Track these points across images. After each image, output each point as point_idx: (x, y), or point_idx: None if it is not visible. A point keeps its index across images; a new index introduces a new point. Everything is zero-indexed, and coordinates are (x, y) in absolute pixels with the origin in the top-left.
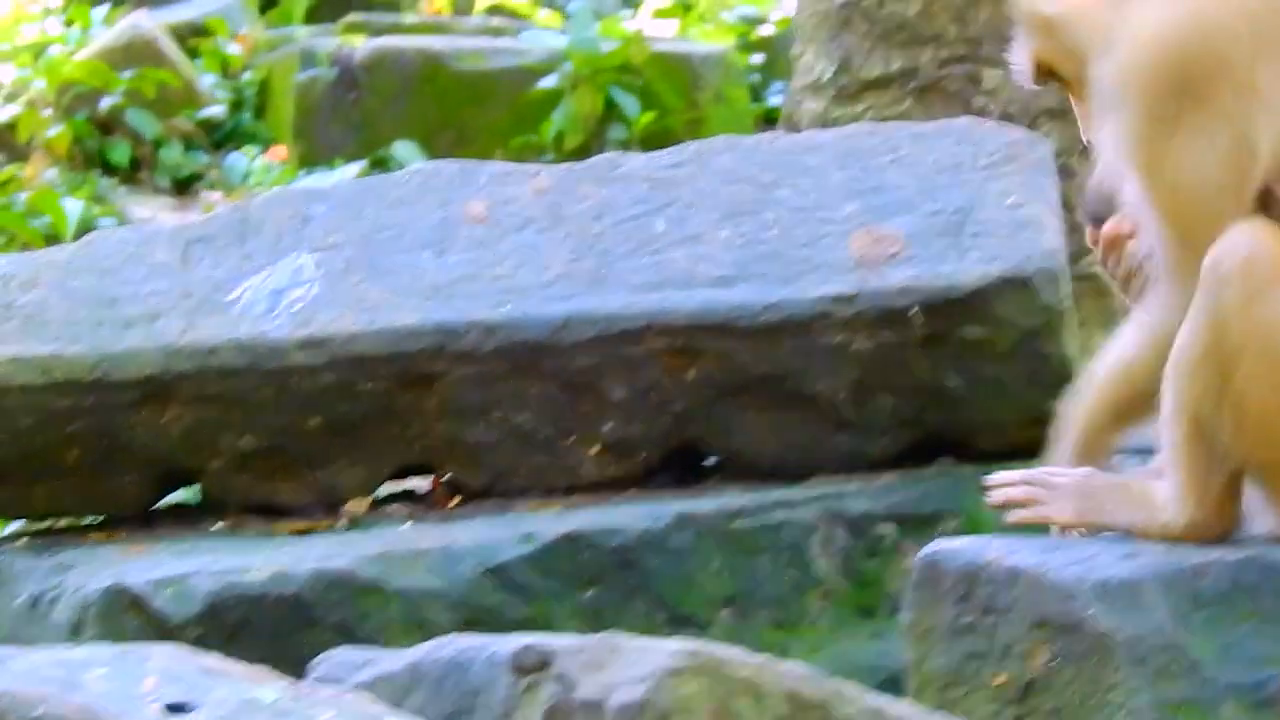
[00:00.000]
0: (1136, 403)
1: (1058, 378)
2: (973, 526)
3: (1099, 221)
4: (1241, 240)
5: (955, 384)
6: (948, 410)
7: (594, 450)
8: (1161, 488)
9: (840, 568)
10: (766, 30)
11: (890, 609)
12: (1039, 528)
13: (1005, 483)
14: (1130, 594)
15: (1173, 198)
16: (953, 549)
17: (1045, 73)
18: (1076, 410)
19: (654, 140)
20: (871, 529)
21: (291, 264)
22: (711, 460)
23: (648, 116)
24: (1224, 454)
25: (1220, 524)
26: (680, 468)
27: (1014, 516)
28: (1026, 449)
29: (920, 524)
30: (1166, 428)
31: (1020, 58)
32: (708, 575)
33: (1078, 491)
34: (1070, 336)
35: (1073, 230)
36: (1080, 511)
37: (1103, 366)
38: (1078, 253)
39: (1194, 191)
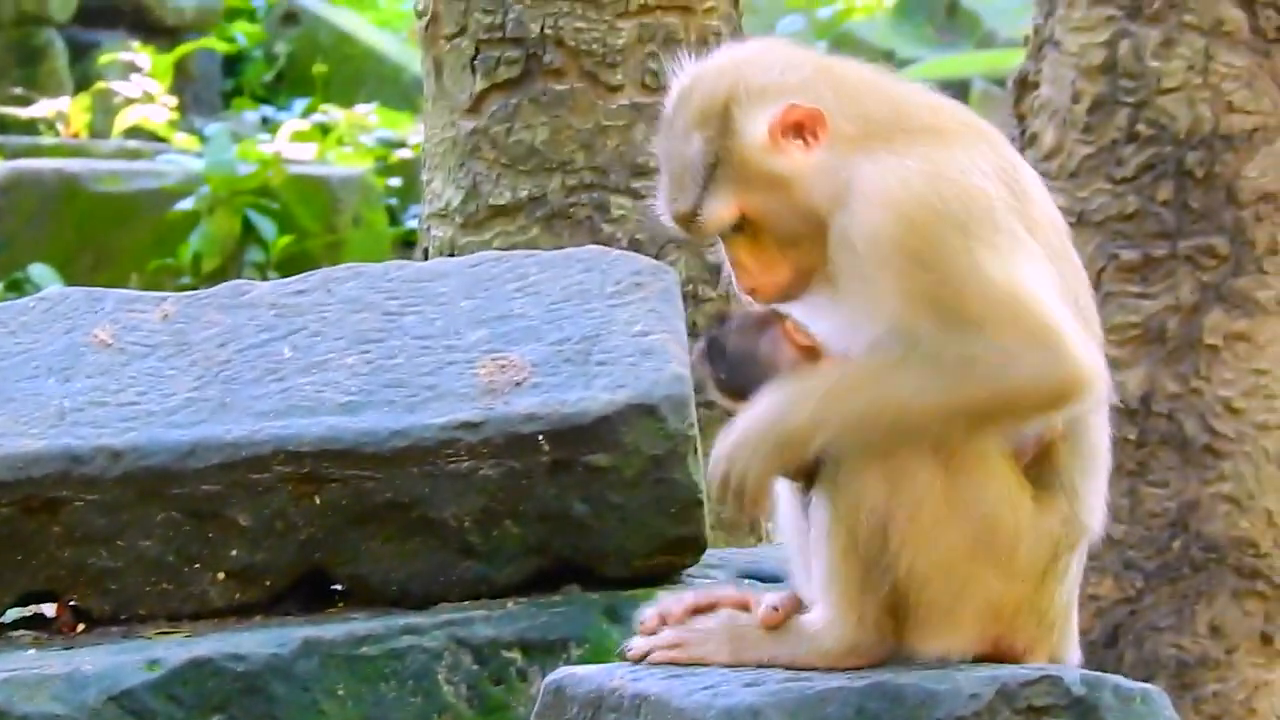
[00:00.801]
0: None
1: (684, 505)
2: (599, 653)
3: (737, 389)
4: None
5: (582, 511)
6: (574, 537)
7: (220, 576)
8: (811, 616)
9: (467, 694)
10: (405, 154)
11: None
12: None
13: (650, 633)
14: None
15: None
16: (578, 676)
17: (741, 222)
18: None
19: (292, 263)
20: (498, 656)
21: None
22: (339, 586)
23: (286, 239)
24: (882, 573)
25: (880, 646)
26: (308, 594)
27: (663, 657)
28: (653, 576)
29: (546, 651)
30: (821, 549)
31: (720, 206)
32: (334, 702)
33: (728, 634)
34: (696, 464)
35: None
36: (735, 652)
37: None
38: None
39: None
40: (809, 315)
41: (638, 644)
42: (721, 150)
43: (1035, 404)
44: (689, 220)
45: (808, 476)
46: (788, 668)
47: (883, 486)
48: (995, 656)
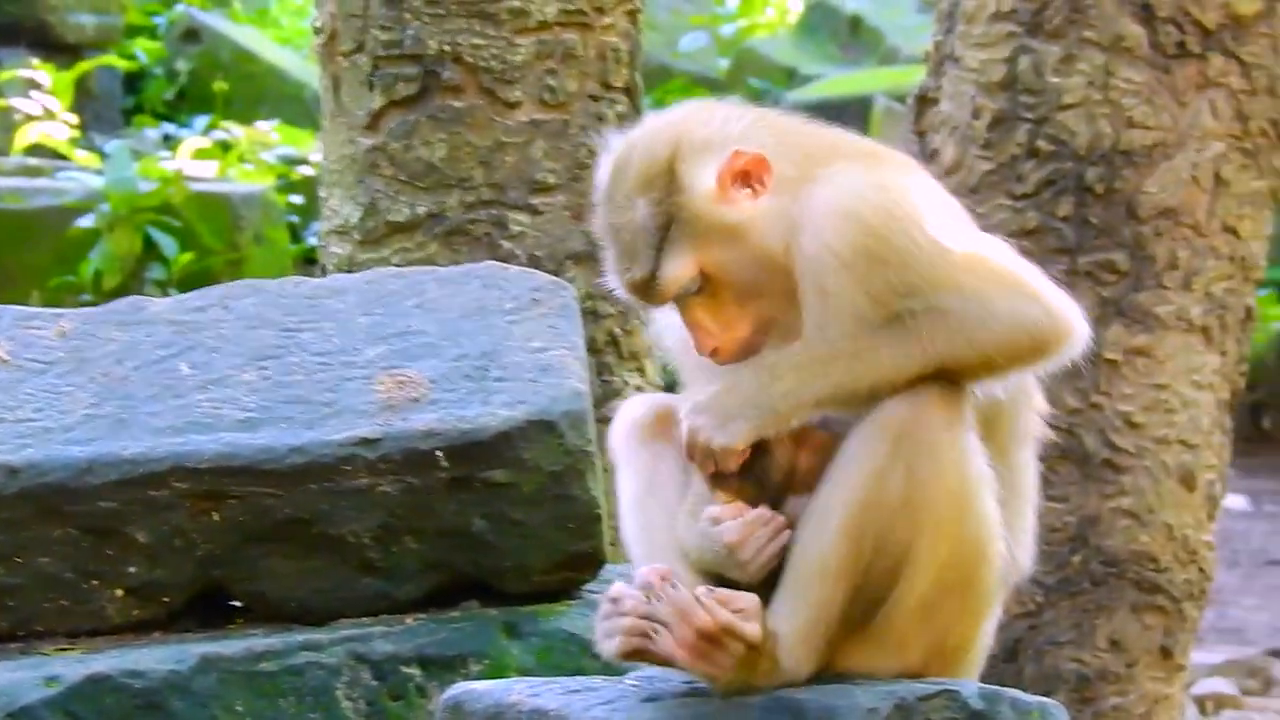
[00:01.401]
0: None
1: (583, 521)
2: (497, 669)
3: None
4: None
5: (481, 527)
6: (473, 553)
7: (119, 593)
8: (785, 644)
9: (366, 710)
10: (306, 170)
11: None
12: (568, 668)
13: (688, 620)
14: None
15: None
16: (477, 691)
17: (700, 280)
18: None
19: (194, 281)
20: (397, 672)
21: None
22: (238, 603)
23: (187, 257)
24: (870, 594)
25: (816, 664)
26: (206, 611)
27: (624, 646)
28: (552, 592)
29: (445, 666)
30: (818, 586)
31: (677, 265)
32: (232, 718)
33: (696, 634)
34: (595, 479)
35: (598, 373)
36: (715, 678)
37: None
38: (603, 396)
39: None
40: None
41: (629, 601)
42: (671, 208)
43: (1017, 351)
44: (646, 286)
45: (779, 489)
46: (741, 691)
47: (909, 525)
48: None
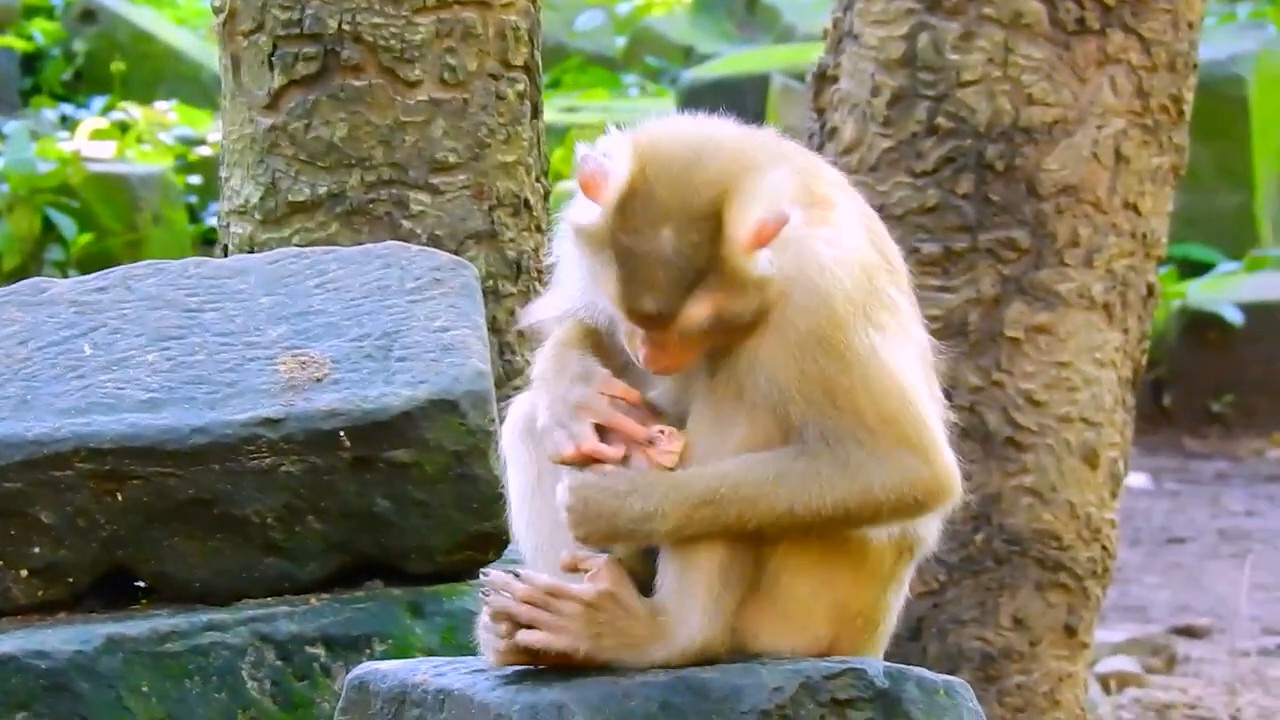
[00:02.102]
0: None
1: (485, 500)
2: (402, 649)
3: None
4: None
5: (384, 507)
6: (377, 533)
7: (23, 574)
8: (669, 609)
9: (271, 690)
10: (204, 151)
11: None
12: (472, 647)
13: (508, 591)
14: (558, 715)
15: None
16: (382, 671)
17: (718, 322)
18: None
19: (92, 261)
20: (301, 652)
21: None
22: (142, 584)
23: (86, 238)
24: (748, 569)
25: (726, 644)
26: (111, 591)
27: (521, 638)
28: (455, 572)
29: (350, 646)
30: (684, 545)
31: (699, 311)
32: (138, 699)
33: (586, 620)
34: (498, 459)
35: (500, 353)
36: (591, 651)
37: None
38: (505, 375)
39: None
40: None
41: (494, 601)
42: (710, 255)
43: (902, 508)
44: (659, 320)
45: None
46: (635, 668)
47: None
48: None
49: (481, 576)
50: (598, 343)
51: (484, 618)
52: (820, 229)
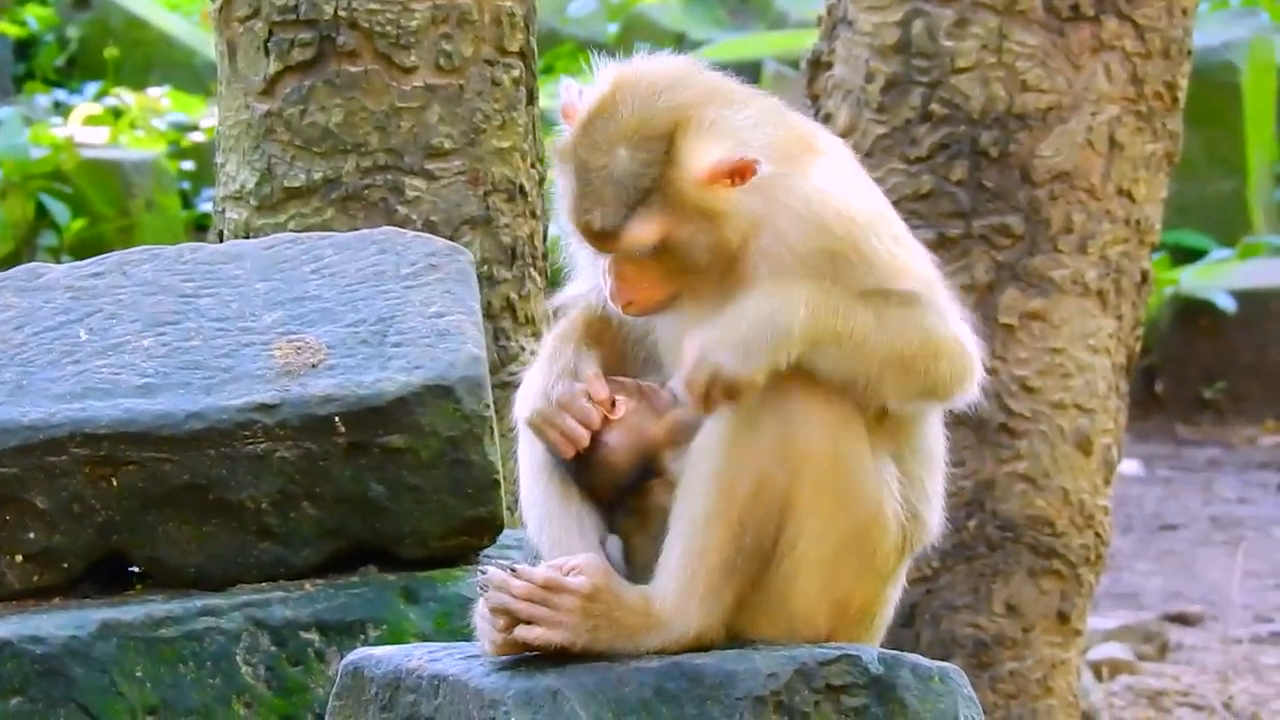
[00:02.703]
0: None
1: (480, 486)
2: (396, 634)
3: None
4: None
5: (378, 493)
6: (371, 519)
7: (18, 559)
8: (666, 599)
9: (265, 676)
10: (197, 137)
11: (315, 717)
12: (466, 633)
13: (506, 589)
14: (553, 701)
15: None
16: (376, 657)
17: (657, 247)
18: None
19: (86, 248)
20: (296, 637)
21: None
22: (137, 569)
23: (79, 224)
24: (760, 561)
25: (722, 634)
26: (106, 576)
27: (519, 634)
28: (450, 557)
29: (344, 632)
30: (690, 531)
31: (643, 229)
32: (132, 684)
33: (583, 614)
34: (492, 445)
35: (494, 338)
36: (589, 644)
37: None
38: (500, 361)
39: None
40: (683, 329)
41: (496, 598)
42: (658, 175)
43: (953, 370)
44: (602, 235)
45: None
46: (632, 656)
47: (784, 473)
48: None
49: (479, 574)
50: (601, 332)
51: (481, 606)
52: (810, 168)
